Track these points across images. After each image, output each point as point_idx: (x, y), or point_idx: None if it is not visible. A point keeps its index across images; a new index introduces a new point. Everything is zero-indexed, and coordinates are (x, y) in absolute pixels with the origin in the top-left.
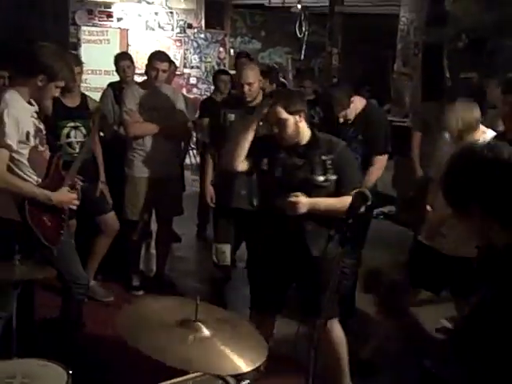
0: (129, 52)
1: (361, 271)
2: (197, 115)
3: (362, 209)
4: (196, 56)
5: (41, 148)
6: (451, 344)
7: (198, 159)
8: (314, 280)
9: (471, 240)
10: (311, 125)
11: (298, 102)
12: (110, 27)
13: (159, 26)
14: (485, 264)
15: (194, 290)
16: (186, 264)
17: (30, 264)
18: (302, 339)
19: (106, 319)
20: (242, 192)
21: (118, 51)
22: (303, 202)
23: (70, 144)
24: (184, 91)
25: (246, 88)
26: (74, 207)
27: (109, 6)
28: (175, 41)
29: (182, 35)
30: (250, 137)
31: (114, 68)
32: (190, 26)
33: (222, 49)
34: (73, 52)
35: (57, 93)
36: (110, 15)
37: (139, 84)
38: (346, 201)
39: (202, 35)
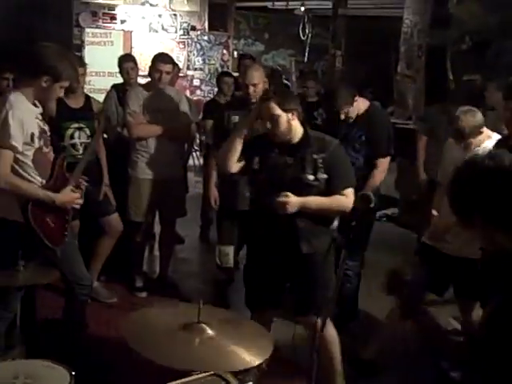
0: (132, 54)
1: (383, 272)
2: (200, 117)
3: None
4: (199, 58)
5: (45, 149)
6: (470, 349)
7: (202, 161)
8: (305, 278)
9: (475, 242)
10: (315, 126)
11: (291, 100)
12: (114, 29)
13: (163, 28)
14: (490, 267)
15: (196, 291)
16: (188, 265)
17: (33, 269)
18: (299, 340)
19: (108, 320)
20: (245, 194)
21: (121, 53)
22: (293, 201)
23: (73, 145)
24: (187, 93)
25: (251, 89)
26: (78, 206)
27: (113, 8)
28: (179, 43)
29: (186, 37)
30: (242, 138)
31: (117, 70)
32: (193, 28)
33: (225, 51)
34: (76, 54)
35: (61, 93)
36: (113, 17)
37: (143, 86)
38: (337, 199)
39: (206, 37)
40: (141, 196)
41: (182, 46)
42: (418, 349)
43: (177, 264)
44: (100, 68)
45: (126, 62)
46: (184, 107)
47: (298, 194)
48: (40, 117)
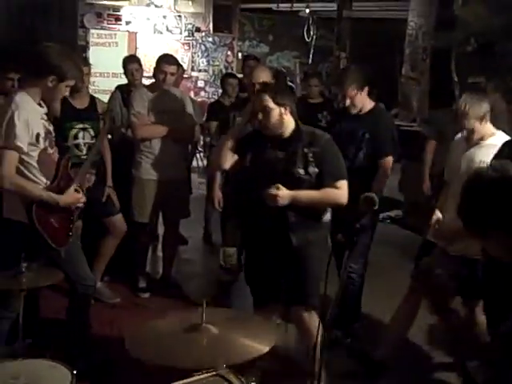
0: (137, 55)
1: (385, 273)
2: (204, 118)
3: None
4: (204, 59)
5: (50, 150)
6: (498, 350)
7: (205, 162)
8: (296, 269)
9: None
10: (320, 128)
11: (285, 96)
12: (119, 30)
13: (167, 30)
14: (494, 268)
15: (200, 292)
16: (192, 266)
17: (36, 270)
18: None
19: (112, 320)
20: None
21: (126, 54)
22: (283, 194)
23: (77, 146)
24: (192, 94)
25: (258, 88)
26: (81, 205)
27: (117, 9)
28: (183, 44)
29: (190, 39)
30: (235, 136)
31: (122, 71)
32: (198, 30)
33: (229, 52)
34: (81, 55)
35: (67, 92)
36: (118, 18)
37: (147, 87)
38: (328, 192)
39: (210, 39)
40: (145, 197)
41: (186, 47)
42: (429, 349)
43: (180, 265)
44: (104, 69)
45: (131, 63)
46: (188, 108)
47: (289, 188)
48: (45, 117)
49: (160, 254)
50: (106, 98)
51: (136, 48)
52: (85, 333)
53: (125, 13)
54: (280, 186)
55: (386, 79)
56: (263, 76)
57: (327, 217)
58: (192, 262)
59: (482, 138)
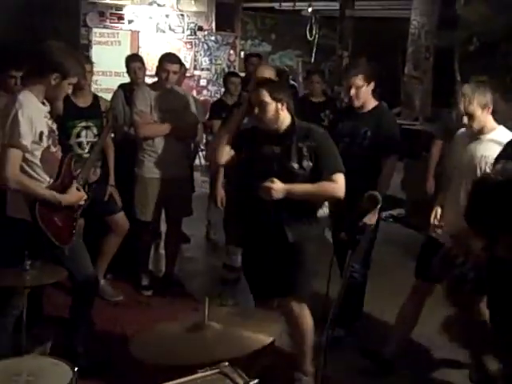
0: (139, 54)
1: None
2: (207, 117)
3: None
4: (206, 58)
5: (53, 149)
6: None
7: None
8: (289, 262)
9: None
10: (322, 127)
11: (283, 91)
12: (121, 29)
13: (170, 29)
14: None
15: (202, 290)
16: (194, 264)
17: (40, 268)
18: None
19: (114, 318)
20: None
21: (128, 53)
22: (278, 187)
23: (79, 144)
24: (194, 93)
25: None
26: (83, 203)
27: (120, 8)
28: (186, 43)
29: (193, 37)
30: (232, 131)
31: (124, 69)
32: (200, 29)
33: (232, 51)
34: (84, 53)
35: (69, 90)
36: (121, 17)
37: (150, 85)
38: (323, 186)
39: (213, 37)
40: (147, 195)
41: (189, 46)
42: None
43: (182, 263)
44: (107, 68)
45: (133, 61)
46: (191, 107)
47: (284, 182)
48: (48, 115)
49: (163, 252)
50: (108, 97)
51: (138, 47)
52: (87, 330)
53: (127, 12)
54: (275, 179)
55: (388, 78)
56: (267, 73)
57: (324, 212)
58: (194, 260)
59: (482, 131)
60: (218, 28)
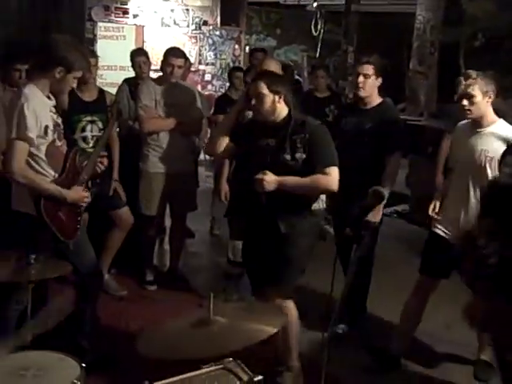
0: (144, 48)
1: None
2: (211, 112)
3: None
4: (211, 53)
5: (58, 143)
6: None
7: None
8: (281, 255)
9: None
10: (326, 123)
11: (281, 84)
12: (126, 23)
13: (175, 23)
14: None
15: (206, 285)
16: (199, 259)
17: (44, 263)
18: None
19: (119, 313)
20: None
21: (133, 47)
22: (270, 179)
23: (84, 138)
24: (199, 88)
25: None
26: (85, 205)
27: (125, 2)
28: (190, 37)
29: (198, 32)
30: (231, 122)
31: (129, 64)
32: (205, 23)
33: (237, 46)
34: (89, 47)
35: (74, 83)
36: (126, 12)
37: (155, 80)
38: (317, 179)
39: (218, 32)
40: (152, 190)
41: (193, 40)
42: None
43: (187, 258)
44: (112, 62)
45: (138, 56)
46: (196, 102)
47: (278, 174)
48: (54, 109)
49: (167, 246)
50: (113, 91)
51: (143, 41)
52: (92, 325)
53: (132, 6)
54: (267, 171)
55: (393, 73)
56: (272, 66)
57: (320, 205)
58: (199, 254)
59: (482, 123)
60: (222, 23)
